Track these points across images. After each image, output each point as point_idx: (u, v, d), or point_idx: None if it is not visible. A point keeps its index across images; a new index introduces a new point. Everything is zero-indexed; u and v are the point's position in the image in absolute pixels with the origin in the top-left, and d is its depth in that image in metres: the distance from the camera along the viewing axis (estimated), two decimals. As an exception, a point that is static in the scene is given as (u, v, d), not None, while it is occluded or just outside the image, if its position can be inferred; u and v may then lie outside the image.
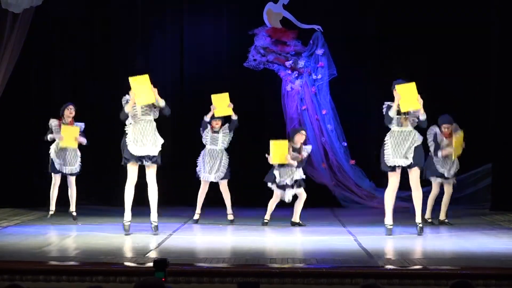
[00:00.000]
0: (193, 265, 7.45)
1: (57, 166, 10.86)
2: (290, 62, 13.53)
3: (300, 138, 10.74)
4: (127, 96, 9.51)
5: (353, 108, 13.09)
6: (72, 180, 10.99)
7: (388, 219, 9.49)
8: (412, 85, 9.25)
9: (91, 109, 13.31)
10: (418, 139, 9.38)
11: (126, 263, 7.55)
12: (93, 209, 12.33)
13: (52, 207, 11.03)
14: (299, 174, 10.59)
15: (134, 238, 9.37)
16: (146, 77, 9.31)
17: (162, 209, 10.67)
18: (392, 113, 9.26)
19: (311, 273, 7.04)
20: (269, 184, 10.66)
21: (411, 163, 9.31)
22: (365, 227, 10.17)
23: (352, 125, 13.36)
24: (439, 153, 10.43)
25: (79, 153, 10.97)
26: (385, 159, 9.38)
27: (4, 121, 12.85)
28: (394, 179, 9.42)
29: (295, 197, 10.65)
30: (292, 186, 10.57)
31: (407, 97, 9.18)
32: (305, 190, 10.66)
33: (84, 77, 13.56)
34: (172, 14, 13.71)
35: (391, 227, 9.48)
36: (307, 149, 10.78)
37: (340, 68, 13.45)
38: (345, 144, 13.38)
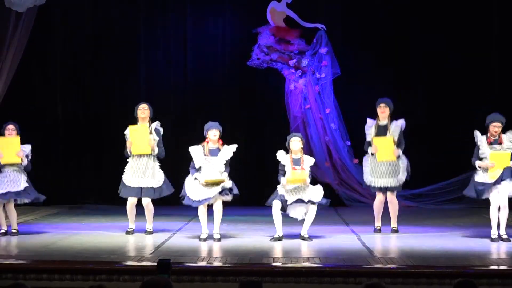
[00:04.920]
0: (196, 264, 7.45)
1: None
2: (294, 61, 13.51)
3: (295, 145, 9.19)
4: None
5: (357, 107, 13.04)
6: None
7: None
8: (390, 140, 9.57)
9: (93, 108, 13.33)
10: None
11: (129, 262, 7.56)
12: (96, 208, 12.34)
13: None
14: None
15: (137, 237, 9.37)
16: (145, 128, 9.22)
17: (165, 209, 10.68)
18: (369, 150, 9.69)
19: (314, 272, 7.04)
20: None
21: None
22: (368, 226, 10.15)
23: (355, 124, 13.32)
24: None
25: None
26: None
27: (6, 120, 12.85)
28: None
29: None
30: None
31: (383, 149, 9.58)
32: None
33: (86, 76, 13.56)
34: (175, 12, 13.70)
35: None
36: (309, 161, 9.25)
37: (344, 67, 13.42)
38: (349, 143, 13.35)
